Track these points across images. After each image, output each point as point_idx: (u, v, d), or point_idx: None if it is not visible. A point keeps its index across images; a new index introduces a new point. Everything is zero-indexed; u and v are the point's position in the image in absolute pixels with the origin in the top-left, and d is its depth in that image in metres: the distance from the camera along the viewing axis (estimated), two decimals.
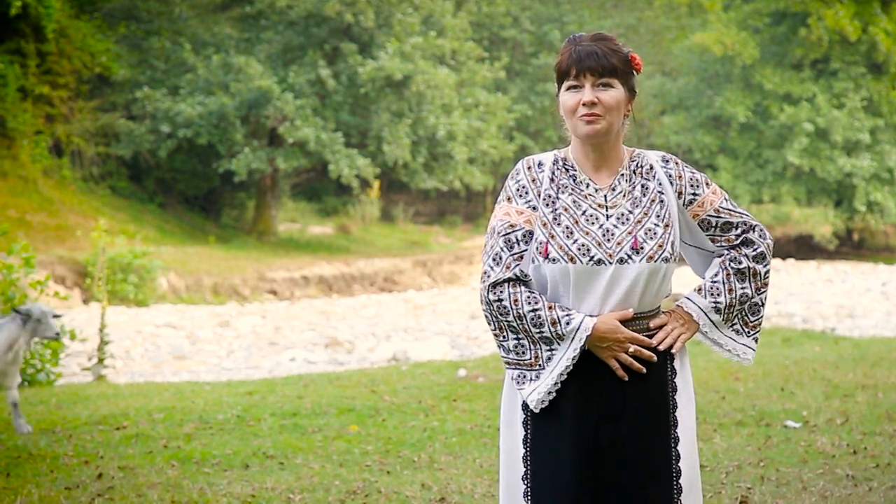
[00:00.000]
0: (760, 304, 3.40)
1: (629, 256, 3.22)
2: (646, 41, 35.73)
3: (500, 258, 3.29)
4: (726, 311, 3.34)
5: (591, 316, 3.24)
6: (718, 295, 3.33)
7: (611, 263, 3.22)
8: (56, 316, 8.31)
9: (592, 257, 3.22)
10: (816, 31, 32.97)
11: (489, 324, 3.34)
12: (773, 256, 3.50)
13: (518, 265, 3.28)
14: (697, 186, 3.34)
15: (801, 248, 34.35)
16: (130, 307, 20.60)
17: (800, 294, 23.19)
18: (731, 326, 3.38)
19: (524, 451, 3.31)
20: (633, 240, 3.23)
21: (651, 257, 3.22)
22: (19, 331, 8.13)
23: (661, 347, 3.28)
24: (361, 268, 26.14)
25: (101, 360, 11.90)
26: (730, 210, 3.37)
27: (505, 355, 3.31)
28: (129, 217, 26.63)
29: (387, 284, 26.20)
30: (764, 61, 34.37)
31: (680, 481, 3.28)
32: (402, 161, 27.83)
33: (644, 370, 3.25)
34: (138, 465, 6.90)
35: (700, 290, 3.36)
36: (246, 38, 28.91)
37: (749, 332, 3.40)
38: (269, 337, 17.29)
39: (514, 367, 3.30)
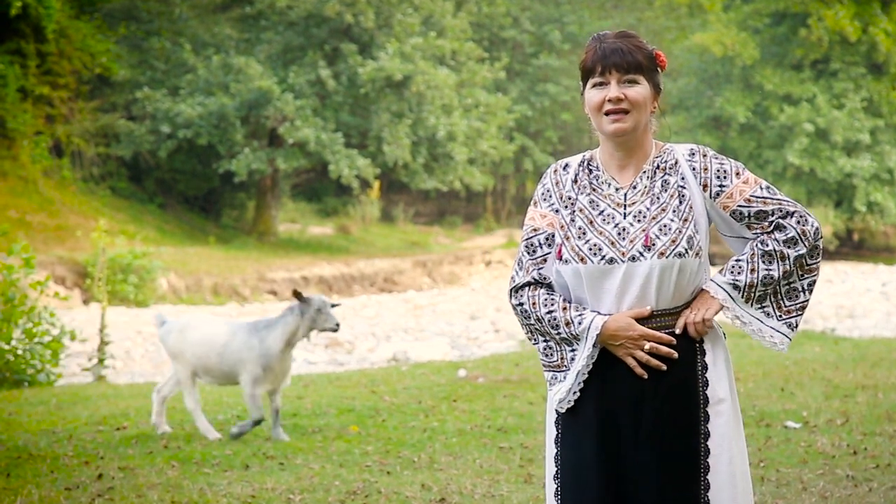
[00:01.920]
0: (801, 289, 3.30)
1: (640, 253, 3.20)
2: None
3: (522, 263, 3.34)
4: (746, 289, 3.26)
5: (603, 314, 3.23)
6: (739, 273, 3.26)
7: (623, 262, 3.21)
8: (334, 305, 7.86)
9: (604, 256, 3.22)
10: (816, 31, 32.97)
11: (522, 329, 3.39)
12: (817, 254, 3.41)
13: (539, 268, 3.31)
14: (725, 177, 3.28)
15: None
16: (130, 307, 20.60)
17: None
18: (761, 308, 3.29)
19: (556, 450, 3.34)
20: (644, 237, 3.21)
21: (662, 253, 3.19)
22: (298, 323, 7.72)
23: (691, 331, 3.24)
24: (361, 268, 26.13)
25: (101, 361, 11.90)
26: (764, 198, 3.27)
27: (541, 358, 3.37)
28: (129, 217, 26.63)
29: (387, 285, 26.19)
30: (764, 62, 34.36)
31: (708, 477, 3.23)
32: (402, 161, 27.83)
33: (664, 367, 3.22)
34: (138, 466, 6.90)
35: (723, 269, 3.32)
36: (246, 38, 28.91)
37: (781, 317, 3.30)
38: None
39: (546, 369, 3.35)
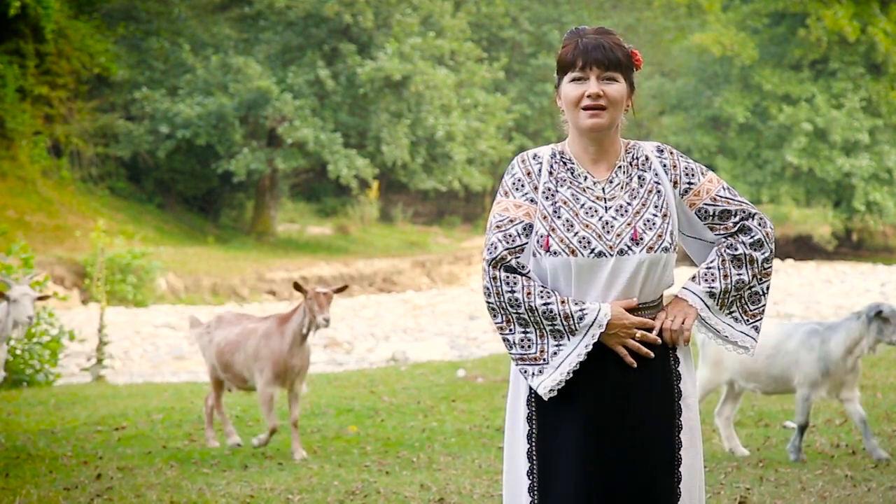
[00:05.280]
0: (761, 293, 3.37)
1: (629, 248, 3.23)
2: (644, 42, 35.71)
3: (496, 247, 3.26)
4: (721, 296, 3.31)
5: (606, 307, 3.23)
6: (713, 280, 3.31)
7: (611, 255, 3.23)
8: None
9: (593, 250, 3.23)
10: (815, 31, 32.98)
11: (494, 316, 3.29)
12: (773, 257, 3.49)
13: (517, 257, 3.27)
14: (692, 175, 3.35)
15: (800, 248, 34.36)
16: (129, 308, 20.59)
17: (799, 294, 23.20)
18: (730, 313, 3.35)
19: (528, 446, 3.31)
20: (632, 231, 3.24)
21: (651, 248, 3.23)
22: (862, 331, 6.85)
23: (666, 337, 3.27)
24: (360, 268, 26.13)
25: (99, 361, 11.90)
26: (728, 198, 3.34)
27: (509, 349, 3.30)
28: (127, 217, 26.63)
29: (386, 285, 26.19)
30: (763, 62, 34.36)
31: (680, 469, 3.29)
32: (401, 161, 27.83)
33: (651, 354, 3.25)
34: (137, 466, 6.90)
35: (695, 277, 3.35)
36: (245, 38, 28.91)
37: (748, 321, 3.36)
38: None
39: (517, 361, 3.29)
